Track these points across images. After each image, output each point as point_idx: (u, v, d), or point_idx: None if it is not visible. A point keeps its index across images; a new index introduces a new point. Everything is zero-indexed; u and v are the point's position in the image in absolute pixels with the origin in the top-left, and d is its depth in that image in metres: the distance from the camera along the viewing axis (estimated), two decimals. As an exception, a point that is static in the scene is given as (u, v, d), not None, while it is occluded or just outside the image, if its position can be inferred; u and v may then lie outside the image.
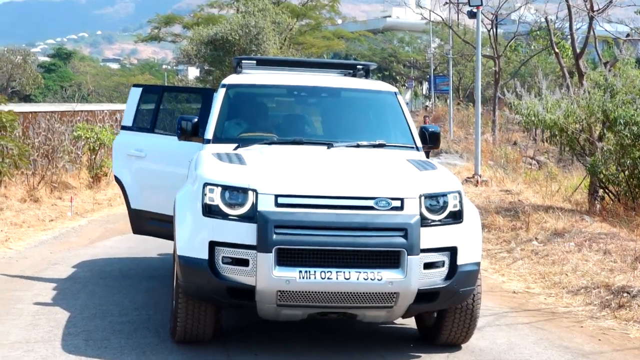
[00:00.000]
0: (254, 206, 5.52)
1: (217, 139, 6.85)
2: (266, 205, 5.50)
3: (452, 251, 5.75)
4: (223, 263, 5.54)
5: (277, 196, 5.53)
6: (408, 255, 5.48)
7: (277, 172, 5.85)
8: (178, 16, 41.58)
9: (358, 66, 8.25)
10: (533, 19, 29.89)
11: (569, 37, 19.35)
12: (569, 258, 9.63)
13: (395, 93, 7.64)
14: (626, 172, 12.59)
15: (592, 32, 16.84)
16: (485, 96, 40.19)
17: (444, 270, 5.73)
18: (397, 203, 5.64)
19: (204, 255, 5.56)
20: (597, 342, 6.78)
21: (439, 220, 5.74)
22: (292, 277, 5.40)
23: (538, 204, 14.08)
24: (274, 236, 5.39)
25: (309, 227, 5.46)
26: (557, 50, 18.80)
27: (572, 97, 13.78)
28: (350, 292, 5.49)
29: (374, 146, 6.79)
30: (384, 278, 5.47)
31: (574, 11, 17.14)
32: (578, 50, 16.46)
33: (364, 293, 5.51)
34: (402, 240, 5.50)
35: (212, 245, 5.55)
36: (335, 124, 7.54)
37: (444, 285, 5.69)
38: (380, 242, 5.50)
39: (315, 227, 5.46)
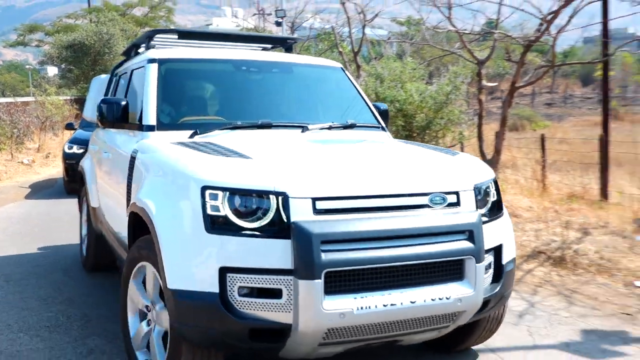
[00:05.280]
0: (283, 215, 3.25)
1: (163, 125, 4.55)
2: (302, 213, 3.26)
3: (498, 250, 3.87)
4: (240, 296, 3.24)
5: (314, 200, 3.30)
6: (476, 262, 3.54)
7: (300, 168, 3.60)
8: (41, 25, 39.77)
9: (289, 40, 6.30)
10: (319, 26, 31.03)
11: (347, 39, 20.41)
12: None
13: (342, 69, 5.72)
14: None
15: (364, 36, 18.02)
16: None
17: (491, 273, 3.84)
18: (453, 198, 3.63)
19: (214, 287, 3.23)
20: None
21: (485, 214, 3.81)
22: (349, 308, 3.21)
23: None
24: (322, 255, 3.17)
25: (363, 239, 3.29)
26: (341, 50, 19.73)
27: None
28: (414, 318, 3.47)
29: (345, 127, 4.82)
30: (452, 295, 3.46)
31: (351, 20, 18.40)
32: (356, 50, 17.46)
33: (429, 317, 3.50)
34: (468, 244, 3.51)
35: (223, 272, 3.25)
36: (296, 104, 5.25)
37: (494, 292, 3.80)
38: (445, 251, 3.46)
39: (371, 239, 3.30)
